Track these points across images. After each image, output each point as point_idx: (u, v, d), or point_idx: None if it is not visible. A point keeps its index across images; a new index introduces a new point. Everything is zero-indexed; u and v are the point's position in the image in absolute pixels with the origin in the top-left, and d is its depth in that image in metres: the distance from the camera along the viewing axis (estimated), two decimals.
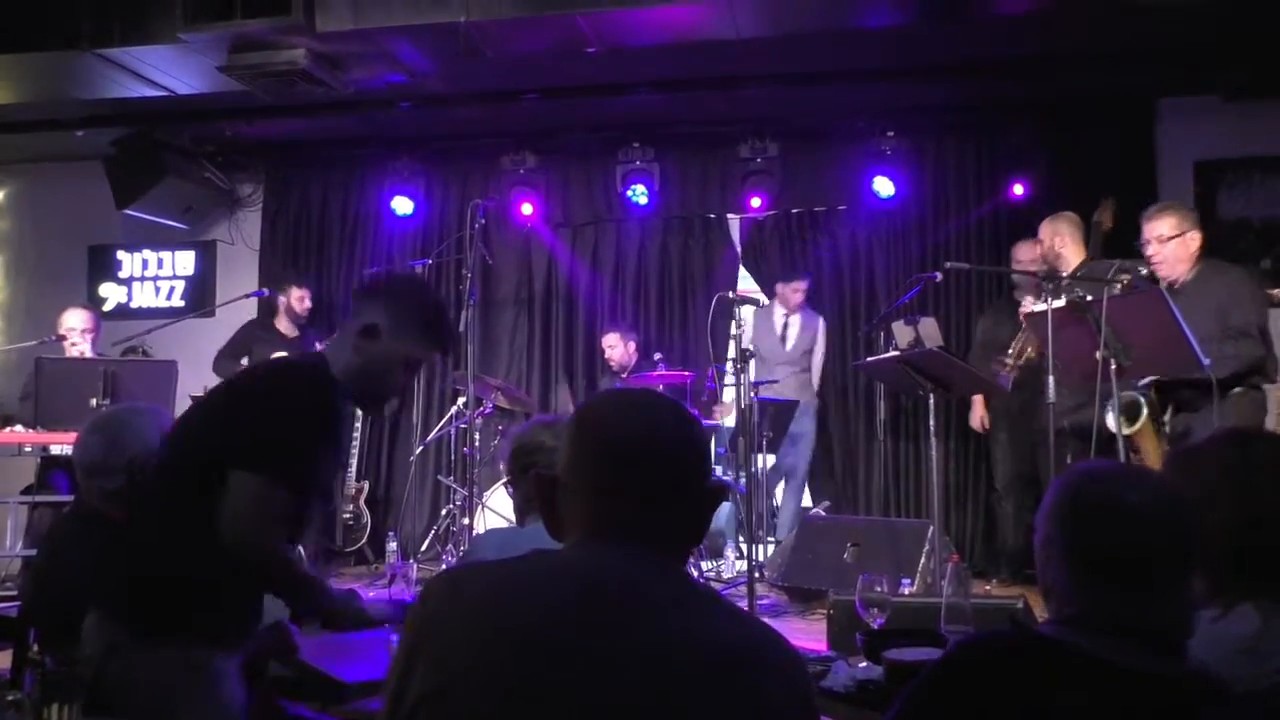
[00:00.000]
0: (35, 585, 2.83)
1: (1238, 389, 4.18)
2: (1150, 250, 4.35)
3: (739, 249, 7.22)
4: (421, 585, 1.38)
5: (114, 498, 2.66)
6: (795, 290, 6.67)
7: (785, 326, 6.75)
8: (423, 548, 6.89)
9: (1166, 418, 4.25)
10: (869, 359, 5.25)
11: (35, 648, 2.58)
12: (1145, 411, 4.14)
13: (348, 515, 6.92)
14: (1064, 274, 4.79)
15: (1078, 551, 1.43)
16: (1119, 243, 5.04)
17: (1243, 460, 1.70)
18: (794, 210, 7.09)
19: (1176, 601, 1.40)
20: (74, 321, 6.03)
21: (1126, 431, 4.11)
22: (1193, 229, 4.37)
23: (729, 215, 7.21)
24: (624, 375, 6.73)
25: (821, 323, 6.80)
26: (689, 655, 1.21)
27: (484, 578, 1.32)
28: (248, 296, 7.11)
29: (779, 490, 6.77)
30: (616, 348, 6.79)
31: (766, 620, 1.70)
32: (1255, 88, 6.22)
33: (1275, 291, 4.54)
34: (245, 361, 6.46)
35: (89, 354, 5.95)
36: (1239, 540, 1.64)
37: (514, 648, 1.21)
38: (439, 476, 7.05)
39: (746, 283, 7.24)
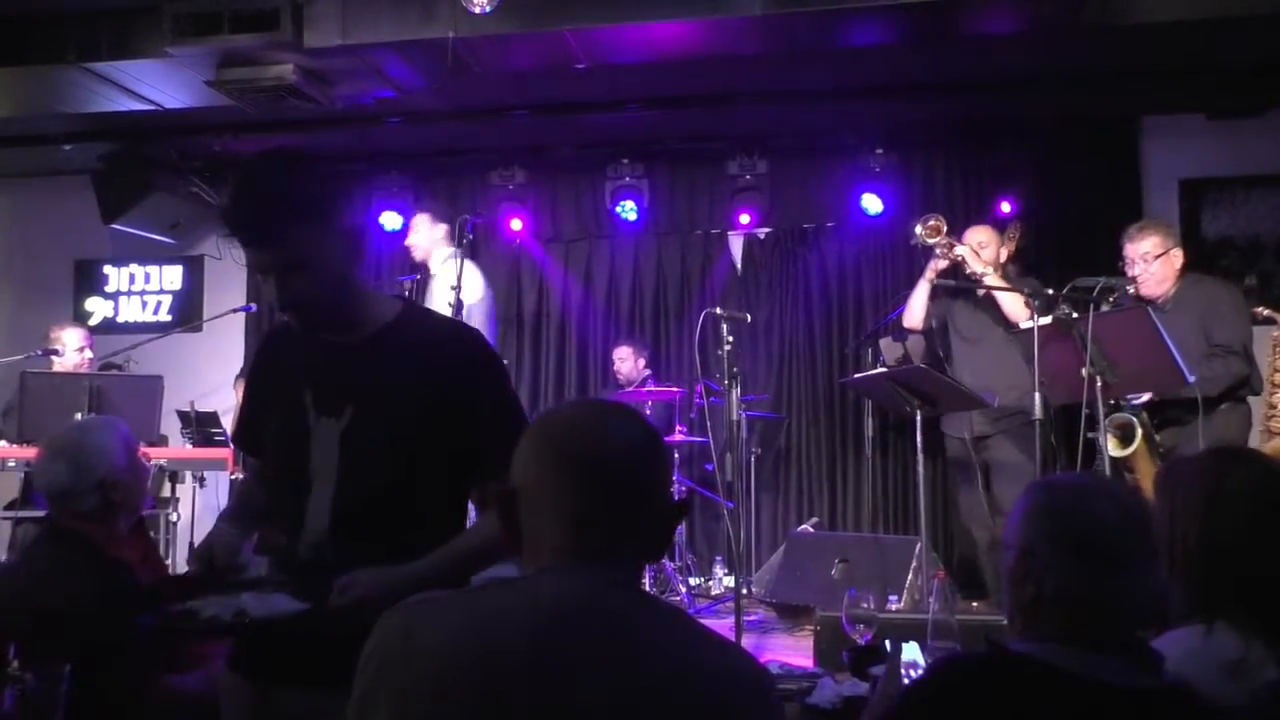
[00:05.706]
0: (14, 602, 2.80)
1: (1223, 404, 4.19)
2: (1136, 269, 4.35)
3: (739, 266, 7.21)
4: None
5: (87, 517, 2.64)
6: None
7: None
8: None
9: (1158, 437, 4.25)
10: (857, 375, 5.26)
11: (15, 663, 2.55)
12: (1140, 433, 4.12)
13: None
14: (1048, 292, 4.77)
15: (1064, 537, 1.45)
16: (1101, 260, 5.05)
17: (1216, 483, 1.71)
18: (790, 226, 7.05)
19: (1153, 581, 1.46)
20: (75, 339, 5.99)
21: (1122, 454, 4.10)
22: (1175, 245, 4.41)
23: (730, 232, 7.17)
24: (628, 389, 6.65)
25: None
26: (672, 683, 1.17)
27: (443, 616, 1.21)
28: (235, 311, 7.06)
29: None
30: (627, 361, 6.76)
31: (750, 636, 1.70)
32: (1238, 107, 6.29)
33: (1259, 310, 4.55)
34: None
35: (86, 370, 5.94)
36: (1208, 561, 1.65)
37: (487, 695, 1.14)
38: None
39: None
